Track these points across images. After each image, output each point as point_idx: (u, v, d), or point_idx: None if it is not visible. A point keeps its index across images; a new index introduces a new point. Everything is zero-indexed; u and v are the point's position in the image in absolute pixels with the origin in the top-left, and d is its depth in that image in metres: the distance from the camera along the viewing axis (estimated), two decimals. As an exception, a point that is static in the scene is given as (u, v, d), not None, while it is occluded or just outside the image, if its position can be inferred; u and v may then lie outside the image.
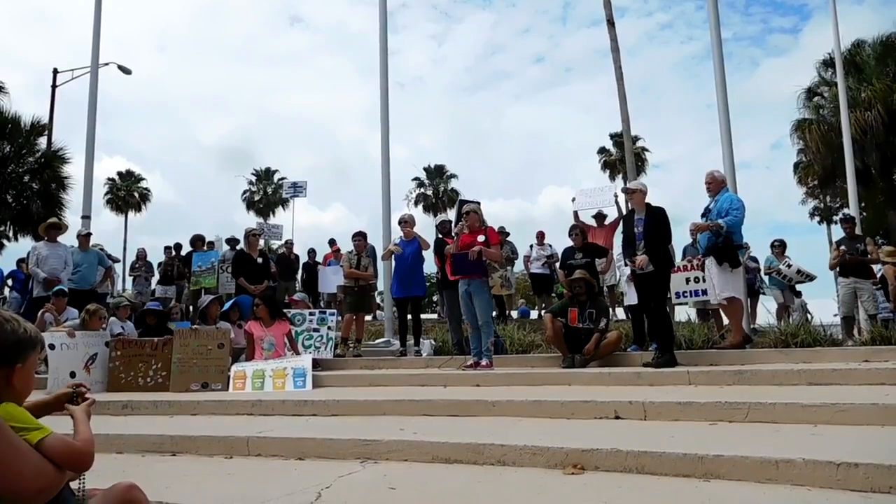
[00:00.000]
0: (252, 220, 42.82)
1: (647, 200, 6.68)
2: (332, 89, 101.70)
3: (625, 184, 9.94)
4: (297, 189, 18.62)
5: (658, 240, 6.37)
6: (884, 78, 18.16)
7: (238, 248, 10.61)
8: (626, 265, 7.48)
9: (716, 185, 7.01)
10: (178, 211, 70.39)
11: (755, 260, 10.99)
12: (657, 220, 6.42)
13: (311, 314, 8.47)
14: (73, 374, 6.72)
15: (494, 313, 11.08)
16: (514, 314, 15.49)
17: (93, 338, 7.08)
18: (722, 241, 6.70)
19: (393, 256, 8.44)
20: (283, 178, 40.59)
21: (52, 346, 6.72)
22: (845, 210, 16.29)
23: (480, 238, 6.95)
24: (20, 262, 11.94)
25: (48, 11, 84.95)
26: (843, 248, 8.87)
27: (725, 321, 9.04)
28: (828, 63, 19.23)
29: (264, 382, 6.59)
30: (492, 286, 7.10)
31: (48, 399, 1.96)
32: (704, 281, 8.03)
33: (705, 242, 6.89)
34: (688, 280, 8.26)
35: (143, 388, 6.87)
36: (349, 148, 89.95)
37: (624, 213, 8.61)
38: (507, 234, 11.97)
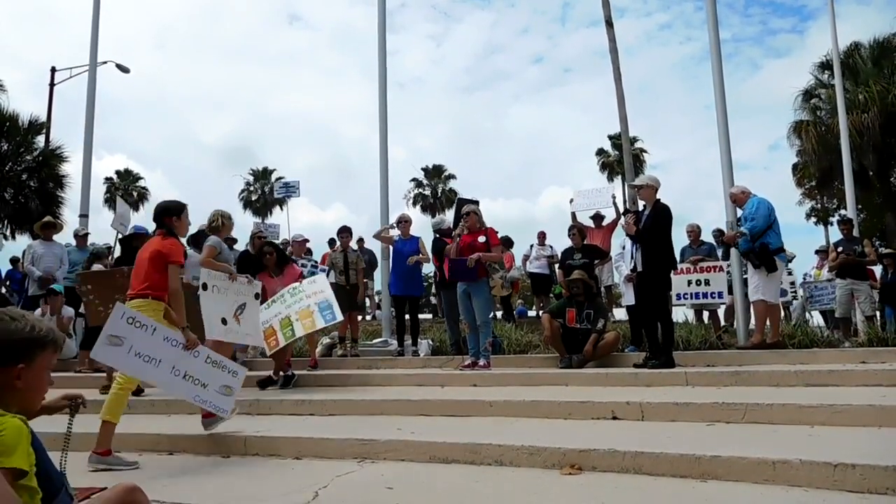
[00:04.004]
0: (250, 220, 42.81)
1: (658, 196, 6.51)
2: (333, 88, 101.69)
3: (623, 185, 9.93)
4: (290, 189, 18.09)
5: (655, 236, 6.35)
6: (880, 80, 18.20)
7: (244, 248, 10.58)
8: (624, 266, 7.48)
9: (739, 198, 7.09)
10: (177, 209, 70.04)
11: None
12: (657, 217, 6.40)
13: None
14: (224, 321, 5.88)
15: (500, 314, 11.12)
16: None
17: (243, 286, 6.23)
18: (758, 246, 6.70)
19: (391, 255, 8.42)
20: (280, 178, 40.56)
21: (204, 286, 5.89)
22: (842, 212, 16.34)
23: (481, 239, 6.92)
24: (14, 261, 11.90)
25: (47, 9, 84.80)
26: (840, 249, 8.89)
27: (723, 322, 9.08)
28: (824, 65, 19.26)
29: (294, 328, 6.34)
30: (492, 286, 7.08)
31: (45, 402, 1.94)
32: (707, 284, 8.00)
33: (746, 247, 6.87)
34: (689, 283, 8.27)
35: None
36: (350, 147, 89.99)
37: (622, 214, 8.63)
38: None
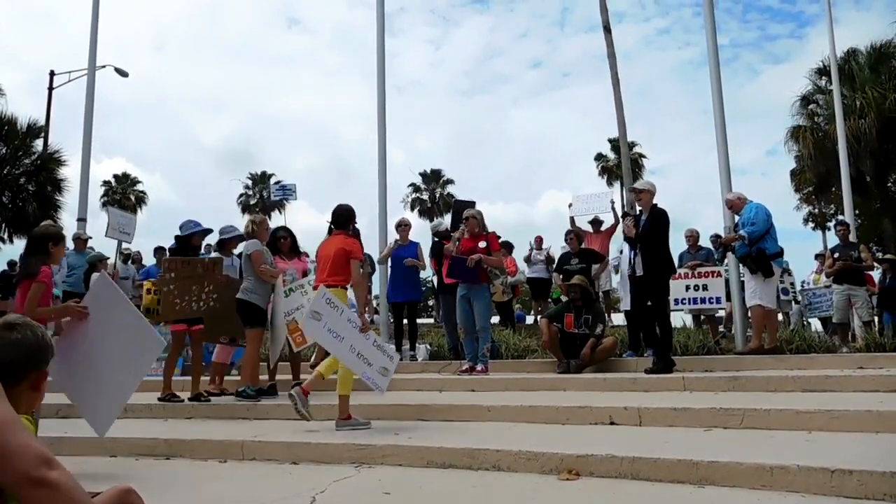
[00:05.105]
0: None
1: (654, 201, 6.58)
2: (333, 89, 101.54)
3: (622, 189, 9.95)
4: (287, 191, 17.28)
5: (654, 240, 6.37)
6: (877, 86, 18.24)
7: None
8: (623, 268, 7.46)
9: (735, 204, 7.11)
10: (176, 212, 70.11)
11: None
12: (655, 221, 6.42)
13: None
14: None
15: (496, 319, 11.08)
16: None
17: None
18: (755, 251, 6.71)
19: (390, 261, 8.40)
20: (278, 181, 40.46)
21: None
22: (840, 216, 16.36)
23: (481, 244, 6.90)
24: (11, 264, 11.86)
25: (47, 9, 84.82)
26: (836, 254, 8.90)
27: (721, 327, 9.09)
28: (821, 71, 19.32)
29: None
30: (493, 292, 7.05)
31: None
32: (705, 289, 8.02)
33: (743, 252, 6.90)
34: (687, 287, 8.28)
35: (196, 312, 6.14)
36: (350, 148, 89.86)
37: (620, 219, 8.63)
38: None
